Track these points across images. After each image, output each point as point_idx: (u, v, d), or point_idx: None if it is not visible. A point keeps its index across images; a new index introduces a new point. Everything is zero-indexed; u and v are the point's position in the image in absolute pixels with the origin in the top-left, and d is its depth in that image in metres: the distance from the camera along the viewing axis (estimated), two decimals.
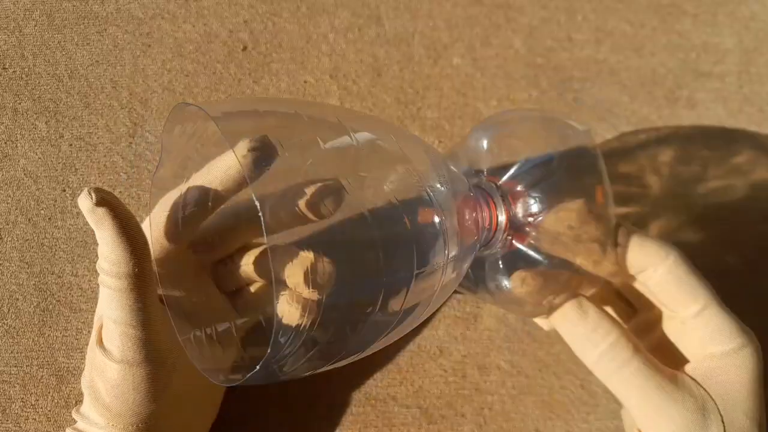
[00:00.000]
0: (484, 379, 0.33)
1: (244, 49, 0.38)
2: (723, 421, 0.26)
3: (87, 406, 0.27)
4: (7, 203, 0.35)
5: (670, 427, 0.26)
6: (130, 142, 0.36)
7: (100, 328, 0.27)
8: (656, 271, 0.28)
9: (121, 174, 0.35)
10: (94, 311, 0.33)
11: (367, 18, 0.39)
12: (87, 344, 0.33)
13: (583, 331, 0.27)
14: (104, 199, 0.24)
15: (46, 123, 0.36)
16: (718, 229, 0.37)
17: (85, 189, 0.24)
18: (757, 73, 0.40)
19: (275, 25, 0.39)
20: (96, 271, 0.34)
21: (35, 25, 0.38)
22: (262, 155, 0.23)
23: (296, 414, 0.32)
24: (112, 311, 0.25)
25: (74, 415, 0.28)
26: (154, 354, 0.26)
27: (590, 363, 0.28)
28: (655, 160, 0.38)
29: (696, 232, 0.37)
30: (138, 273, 0.25)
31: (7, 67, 0.37)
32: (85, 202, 0.24)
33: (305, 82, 0.38)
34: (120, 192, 0.35)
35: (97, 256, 0.34)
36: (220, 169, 0.26)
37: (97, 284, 0.33)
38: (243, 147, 0.24)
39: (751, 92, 0.39)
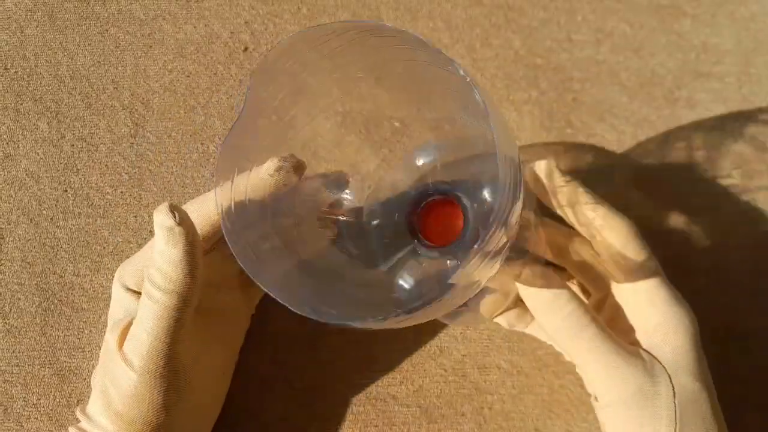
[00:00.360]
0: (483, 379, 0.34)
1: (245, 50, 0.38)
2: (672, 383, 0.27)
3: (97, 410, 0.27)
4: (9, 203, 0.35)
5: (622, 389, 0.28)
6: (132, 143, 0.36)
7: (122, 333, 0.27)
8: (605, 239, 0.30)
9: (123, 174, 0.36)
10: (96, 311, 0.33)
11: (368, 19, 0.39)
12: (88, 343, 0.33)
13: (548, 298, 0.29)
14: (183, 220, 0.24)
15: (47, 123, 0.36)
16: (718, 229, 0.37)
17: (165, 205, 0.24)
18: (757, 74, 0.40)
19: (276, 26, 0.39)
20: (97, 271, 0.34)
21: (37, 26, 0.38)
22: (288, 175, 0.25)
23: (296, 413, 0.33)
24: (148, 322, 0.25)
25: (78, 414, 0.28)
26: (175, 369, 0.26)
27: (552, 329, 0.29)
28: (655, 161, 0.38)
29: (696, 232, 0.37)
30: (188, 294, 0.25)
31: (8, 67, 0.37)
32: (165, 220, 0.24)
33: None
34: (122, 192, 0.35)
35: (98, 255, 0.34)
36: (254, 179, 0.26)
37: (99, 285, 0.34)
38: (271, 166, 0.25)
39: (751, 93, 0.39)
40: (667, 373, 0.28)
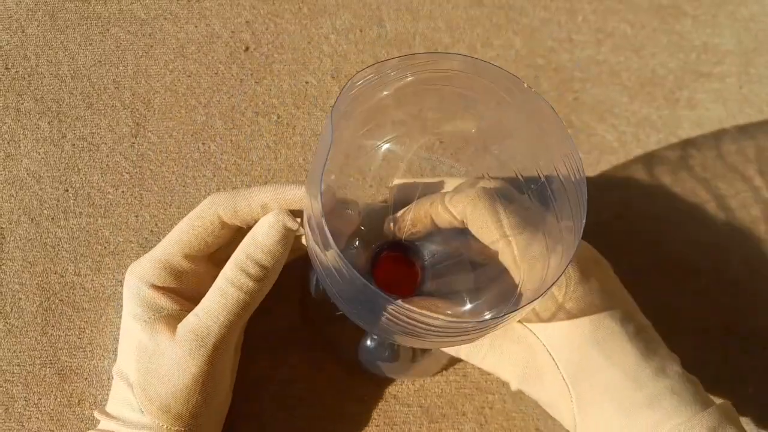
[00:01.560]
0: (484, 378, 0.34)
1: (246, 49, 0.38)
2: (551, 354, 0.27)
3: (129, 408, 0.27)
4: (10, 203, 0.35)
5: (513, 373, 0.29)
6: (133, 143, 0.36)
7: (167, 328, 0.27)
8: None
9: (124, 174, 0.36)
10: (97, 310, 0.33)
11: (369, 19, 0.39)
12: (89, 343, 0.33)
13: None
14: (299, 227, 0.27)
15: (48, 123, 0.36)
16: (720, 229, 0.37)
17: (286, 211, 0.27)
18: (757, 74, 0.40)
19: (277, 26, 0.39)
20: (98, 270, 0.34)
21: (38, 26, 0.38)
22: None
23: (296, 414, 0.33)
24: (222, 313, 0.26)
25: (99, 416, 0.28)
26: (227, 360, 0.28)
27: None
28: (656, 161, 0.38)
29: (697, 233, 0.37)
30: (268, 286, 0.28)
31: (9, 67, 0.37)
32: (289, 222, 0.27)
33: (307, 83, 0.38)
34: (123, 192, 0.35)
35: (99, 255, 0.34)
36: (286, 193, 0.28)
37: (100, 284, 0.34)
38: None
39: (751, 93, 0.40)
40: (546, 349, 0.28)
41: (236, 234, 0.29)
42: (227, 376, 0.29)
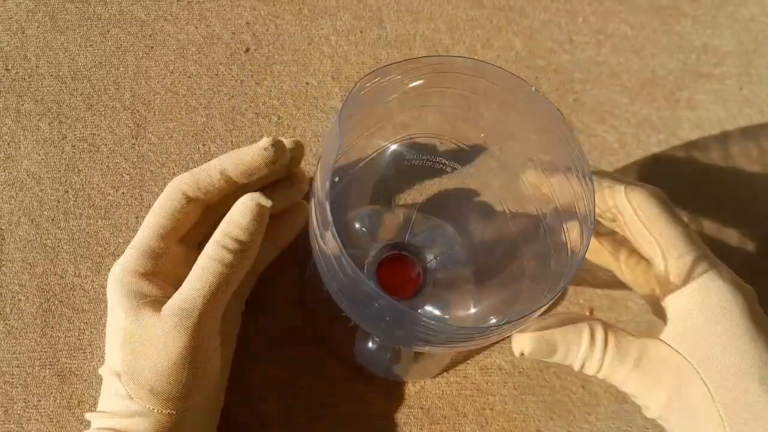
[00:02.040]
0: (485, 380, 0.34)
1: (247, 50, 0.38)
2: (705, 383, 0.25)
3: (118, 397, 0.27)
4: (10, 204, 0.35)
5: (658, 399, 0.26)
6: (133, 144, 0.36)
7: (152, 309, 0.27)
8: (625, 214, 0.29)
9: (124, 175, 0.36)
10: (97, 312, 0.33)
11: (369, 20, 0.39)
12: (89, 344, 0.33)
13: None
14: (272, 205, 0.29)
15: (49, 124, 0.36)
16: (719, 230, 0.37)
17: (260, 194, 0.28)
18: (757, 75, 0.40)
19: (277, 27, 0.39)
20: (98, 272, 0.34)
21: (38, 27, 0.38)
22: (274, 155, 0.28)
23: (297, 414, 0.32)
24: (206, 286, 0.27)
25: (91, 416, 0.27)
26: (213, 338, 0.28)
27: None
28: (655, 162, 0.38)
29: (696, 233, 0.37)
30: (250, 257, 0.28)
31: (10, 68, 0.37)
32: (262, 200, 0.28)
33: (307, 83, 0.38)
34: (123, 193, 0.35)
35: (99, 257, 0.34)
36: (247, 153, 0.29)
37: (100, 285, 0.34)
38: (267, 141, 0.28)
39: (751, 93, 0.40)
40: (701, 379, 0.25)
41: (205, 214, 0.30)
42: (215, 358, 0.28)
